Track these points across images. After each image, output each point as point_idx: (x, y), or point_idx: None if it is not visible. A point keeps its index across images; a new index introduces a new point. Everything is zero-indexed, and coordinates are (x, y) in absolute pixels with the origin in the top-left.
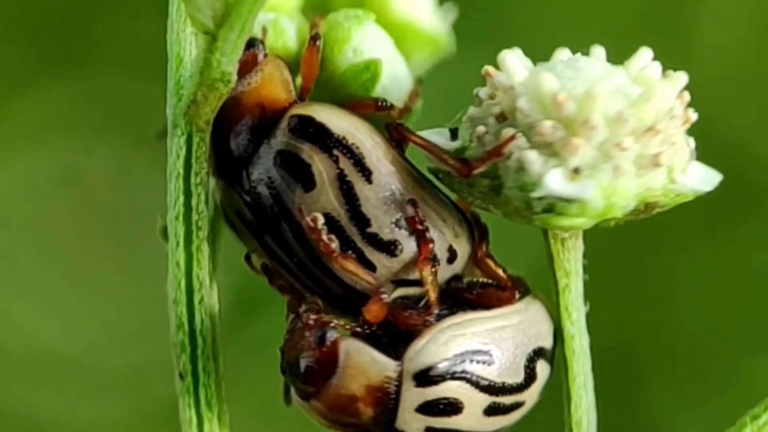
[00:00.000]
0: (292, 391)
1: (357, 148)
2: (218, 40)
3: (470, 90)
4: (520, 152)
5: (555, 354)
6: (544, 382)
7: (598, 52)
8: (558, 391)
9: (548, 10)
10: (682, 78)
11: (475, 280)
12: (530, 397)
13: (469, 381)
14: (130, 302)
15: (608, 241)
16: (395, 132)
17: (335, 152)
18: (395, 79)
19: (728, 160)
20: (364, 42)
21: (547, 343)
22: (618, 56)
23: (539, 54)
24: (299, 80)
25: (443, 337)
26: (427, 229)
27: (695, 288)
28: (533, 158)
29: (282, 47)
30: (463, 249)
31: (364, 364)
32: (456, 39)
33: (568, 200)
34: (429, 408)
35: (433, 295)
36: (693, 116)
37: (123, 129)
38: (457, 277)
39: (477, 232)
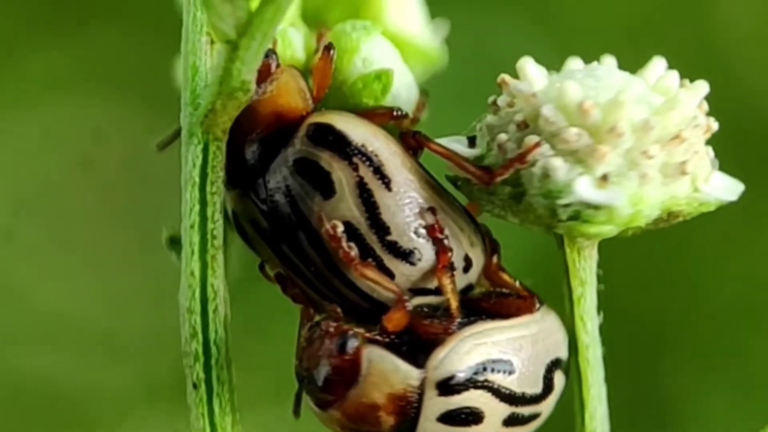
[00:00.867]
0: (307, 400)
1: (376, 155)
2: (239, 49)
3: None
4: (545, 159)
5: (569, 365)
6: (559, 393)
7: (610, 60)
8: (565, 403)
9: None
10: (703, 87)
11: (491, 289)
12: (546, 408)
13: (490, 390)
14: (142, 269)
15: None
16: (412, 139)
17: (355, 160)
18: (403, 90)
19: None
20: (373, 52)
21: (563, 353)
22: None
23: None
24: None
25: (466, 346)
26: (446, 238)
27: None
28: (559, 165)
29: (290, 57)
30: (477, 258)
31: (387, 372)
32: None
33: (596, 207)
34: (450, 417)
35: (454, 304)
36: (714, 125)
37: (135, 87)
38: (471, 287)
39: (488, 244)
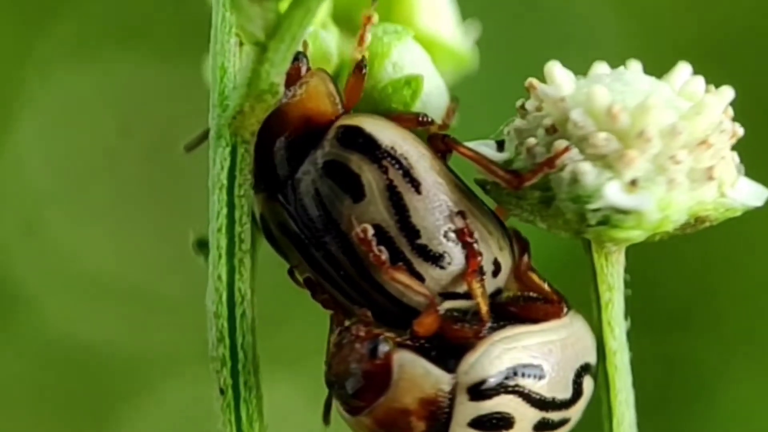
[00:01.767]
0: (336, 406)
1: (405, 158)
2: (268, 51)
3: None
4: (574, 164)
5: (597, 370)
6: (588, 398)
7: (635, 65)
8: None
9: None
10: (728, 93)
11: (518, 293)
12: (576, 413)
13: (521, 395)
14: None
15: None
16: (441, 143)
17: (384, 163)
18: (433, 95)
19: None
20: (404, 57)
21: (592, 358)
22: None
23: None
24: None
25: (496, 350)
26: (476, 242)
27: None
28: (588, 170)
29: (321, 59)
30: (506, 262)
31: (418, 376)
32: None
33: (625, 212)
34: (481, 423)
35: (484, 308)
36: (740, 131)
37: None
38: (499, 291)
39: (518, 246)
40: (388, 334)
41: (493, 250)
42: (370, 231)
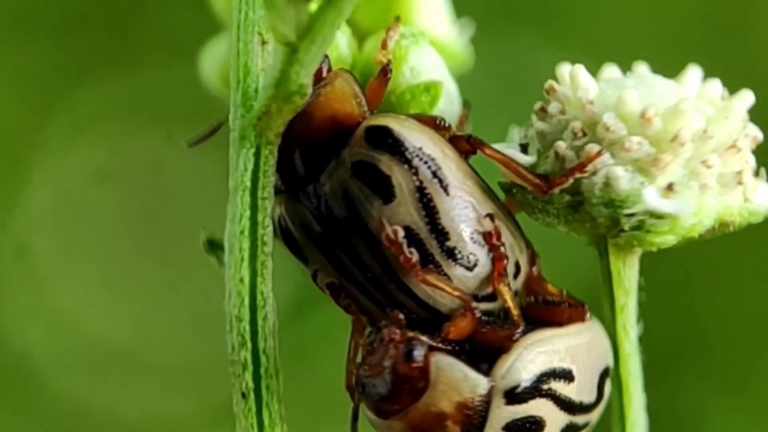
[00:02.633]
0: (364, 410)
1: (433, 159)
2: (299, 51)
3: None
4: (607, 168)
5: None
6: (606, 401)
7: (643, 68)
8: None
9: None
10: (749, 96)
11: (539, 297)
12: (596, 417)
13: (553, 399)
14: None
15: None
16: (467, 144)
17: (414, 163)
18: (448, 101)
19: None
20: (422, 62)
21: (611, 362)
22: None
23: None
24: None
25: (530, 354)
26: (503, 245)
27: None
28: (621, 174)
29: (336, 59)
30: (524, 265)
31: (456, 380)
32: None
33: (660, 217)
34: (515, 426)
35: (515, 312)
36: (759, 135)
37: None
38: (516, 294)
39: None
40: (422, 337)
41: (515, 252)
42: (401, 233)
